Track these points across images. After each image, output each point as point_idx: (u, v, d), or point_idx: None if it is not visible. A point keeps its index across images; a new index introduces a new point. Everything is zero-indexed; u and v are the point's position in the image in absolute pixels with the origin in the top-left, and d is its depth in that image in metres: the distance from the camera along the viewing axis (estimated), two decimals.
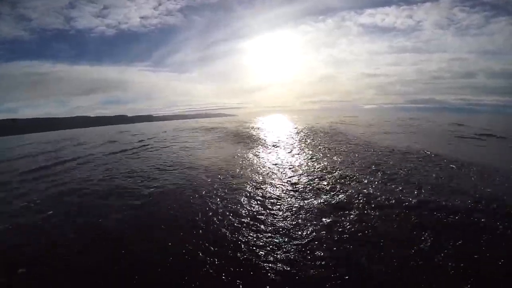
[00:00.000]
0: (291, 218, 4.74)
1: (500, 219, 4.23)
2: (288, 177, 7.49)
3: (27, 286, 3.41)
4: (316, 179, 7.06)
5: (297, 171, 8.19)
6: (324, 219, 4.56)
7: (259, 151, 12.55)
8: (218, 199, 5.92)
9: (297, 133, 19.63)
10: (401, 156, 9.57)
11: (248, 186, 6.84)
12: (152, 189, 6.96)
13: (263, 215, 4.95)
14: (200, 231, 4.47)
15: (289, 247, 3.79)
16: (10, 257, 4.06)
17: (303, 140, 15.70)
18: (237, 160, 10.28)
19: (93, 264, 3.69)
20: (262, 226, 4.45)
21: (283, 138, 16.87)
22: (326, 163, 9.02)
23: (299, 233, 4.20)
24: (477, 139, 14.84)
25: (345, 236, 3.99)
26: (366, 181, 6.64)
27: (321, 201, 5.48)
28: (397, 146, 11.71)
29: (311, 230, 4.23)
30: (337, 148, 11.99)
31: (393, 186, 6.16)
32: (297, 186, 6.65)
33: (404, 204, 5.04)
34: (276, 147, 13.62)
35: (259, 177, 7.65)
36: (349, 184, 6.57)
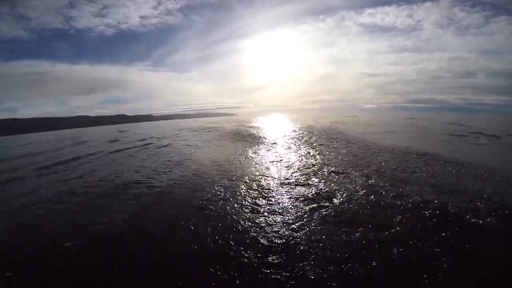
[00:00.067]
0: (288, 215, 4.78)
1: (500, 218, 4.27)
2: (285, 174, 7.82)
3: (27, 286, 3.39)
4: (309, 174, 7.49)
5: (293, 167, 8.53)
6: (309, 208, 5.04)
7: (258, 149, 12.83)
8: (218, 194, 6.15)
9: (296, 132, 19.86)
10: (401, 155, 9.70)
11: (246, 181, 7.15)
12: (156, 188, 7.02)
13: (260, 208, 5.17)
14: (199, 229, 4.50)
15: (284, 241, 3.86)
16: (11, 256, 4.07)
17: (301, 139, 15.94)
18: (236, 158, 10.55)
19: (93, 263, 3.69)
20: (261, 221, 4.49)
21: (282, 137, 17.16)
22: (320, 160, 9.41)
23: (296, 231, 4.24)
24: (477, 138, 15.02)
25: (322, 220, 4.51)
26: (352, 177, 7.05)
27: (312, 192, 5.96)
28: (396, 145, 11.90)
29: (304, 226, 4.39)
30: (331, 146, 12.41)
31: (374, 181, 6.48)
32: (292, 181, 6.95)
33: (389, 198, 5.38)
34: (274, 144, 13.99)
35: (258, 174, 7.94)
36: (338, 179, 6.93)
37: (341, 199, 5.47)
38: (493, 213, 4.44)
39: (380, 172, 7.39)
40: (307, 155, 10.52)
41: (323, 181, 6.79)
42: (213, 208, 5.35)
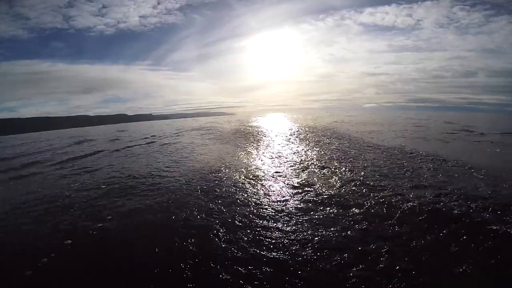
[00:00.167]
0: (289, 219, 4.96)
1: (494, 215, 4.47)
2: (278, 167, 8.66)
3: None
4: (298, 168, 8.35)
5: (286, 162, 9.29)
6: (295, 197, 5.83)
7: (256, 147, 13.36)
8: (219, 182, 6.94)
9: (295, 131, 20.18)
10: (388, 152, 10.18)
11: (244, 173, 7.95)
12: (158, 186, 7.17)
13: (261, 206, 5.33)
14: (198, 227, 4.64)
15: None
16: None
17: (298, 137, 16.42)
18: (236, 155, 11.13)
19: (95, 262, 3.81)
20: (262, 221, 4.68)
21: (280, 136, 17.57)
22: (311, 156, 10.12)
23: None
24: (467, 136, 15.39)
25: (303, 200, 5.53)
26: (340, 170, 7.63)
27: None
28: (387, 144, 12.42)
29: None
30: (324, 144, 13.02)
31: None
32: (283, 173, 7.80)
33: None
34: (272, 141, 14.67)
35: (254, 167, 8.79)
36: (323, 172, 7.68)
37: (322, 186, 6.23)
38: (451, 200, 5.07)
39: (364, 166, 7.98)
40: (300, 152, 11.21)
41: (309, 173, 7.61)
42: (218, 190, 6.46)
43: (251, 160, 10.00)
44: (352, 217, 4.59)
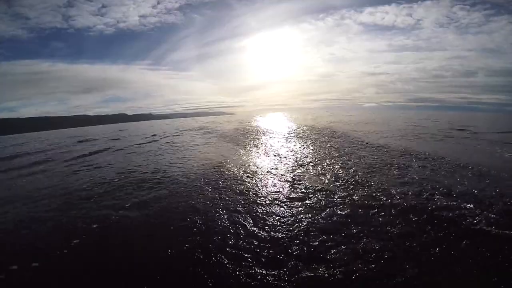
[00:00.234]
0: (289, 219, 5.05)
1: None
2: (273, 164, 9.11)
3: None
4: (292, 165, 8.95)
5: (281, 160, 9.68)
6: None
7: (254, 145, 13.64)
8: (221, 176, 7.36)
9: (293, 131, 20.42)
10: (379, 151, 10.48)
11: (242, 169, 8.43)
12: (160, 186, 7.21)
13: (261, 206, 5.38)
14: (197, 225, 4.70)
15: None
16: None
17: (295, 136, 16.65)
18: (235, 153, 11.53)
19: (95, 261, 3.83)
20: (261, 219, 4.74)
21: (278, 135, 17.83)
22: (305, 153, 10.47)
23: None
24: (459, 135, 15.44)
25: (292, 190, 6.16)
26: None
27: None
28: (378, 142, 12.62)
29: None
30: (321, 143, 13.23)
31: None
32: (277, 169, 8.28)
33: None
34: (270, 139, 14.80)
35: (252, 164, 9.27)
36: (315, 168, 8.14)
37: (314, 181, 6.78)
38: (430, 195, 5.46)
39: (355, 163, 8.56)
40: (297, 150, 11.65)
41: (303, 169, 8.12)
42: (220, 182, 7.08)
43: (250, 157, 10.53)
44: (336, 205, 5.19)
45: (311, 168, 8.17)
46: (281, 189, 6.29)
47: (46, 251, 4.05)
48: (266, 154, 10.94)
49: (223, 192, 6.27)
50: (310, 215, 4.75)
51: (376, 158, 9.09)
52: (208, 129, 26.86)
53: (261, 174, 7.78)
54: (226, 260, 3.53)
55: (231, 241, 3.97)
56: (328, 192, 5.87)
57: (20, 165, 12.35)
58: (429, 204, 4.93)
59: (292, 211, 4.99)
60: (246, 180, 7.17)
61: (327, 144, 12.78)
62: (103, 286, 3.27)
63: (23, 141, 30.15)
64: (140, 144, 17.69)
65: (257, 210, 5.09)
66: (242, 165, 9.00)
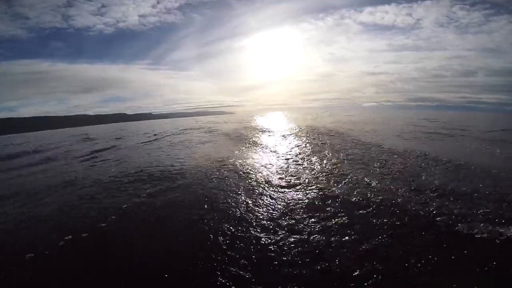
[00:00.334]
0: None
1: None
2: (270, 160, 9.91)
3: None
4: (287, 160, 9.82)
5: (279, 156, 10.50)
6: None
7: (253, 143, 14.01)
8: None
9: (291, 130, 20.67)
10: (369, 149, 10.54)
11: (241, 164, 9.13)
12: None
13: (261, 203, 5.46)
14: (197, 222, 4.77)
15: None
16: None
17: (295, 136, 16.89)
18: (235, 150, 11.90)
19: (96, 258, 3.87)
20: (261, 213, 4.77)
21: (277, 134, 18.31)
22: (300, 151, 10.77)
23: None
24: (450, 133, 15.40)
25: (285, 183, 6.86)
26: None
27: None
28: (371, 141, 12.99)
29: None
30: (315, 139, 13.80)
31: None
32: (274, 164, 9.08)
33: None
34: (269, 137, 14.90)
35: (250, 159, 10.10)
36: (308, 163, 9.04)
37: (307, 176, 7.33)
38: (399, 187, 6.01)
39: (346, 160, 9.10)
40: (293, 147, 12.24)
41: (296, 164, 8.82)
42: (221, 176, 7.74)
43: (249, 155, 11.06)
44: (322, 192, 5.95)
45: (305, 163, 8.83)
46: (275, 181, 6.91)
47: (46, 250, 4.06)
48: (264, 151, 11.63)
49: (223, 188, 6.54)
50: (300, 202, 5.45)
51: (364, 155, 9.70)
52: (208, 128, 27.00)
53: (259, 168, 8.38)
54: (225, 260, 3.54)
55: (231, 241, 3.99)
56: (316, 183, 6.53)
57: (30, 163, 12.76)
58: (428, 203, 4.94)
59: (284, 198, 5.71)
60: (244, 174, 7.73)
61: (322, 142, 13.21)
62: (103, 286, 3.27)
63: (25, 141, 30.39)
64: (144, 142, 18.24)
65: (257, 209, 5.16)
66: (241, 162, 9.41)
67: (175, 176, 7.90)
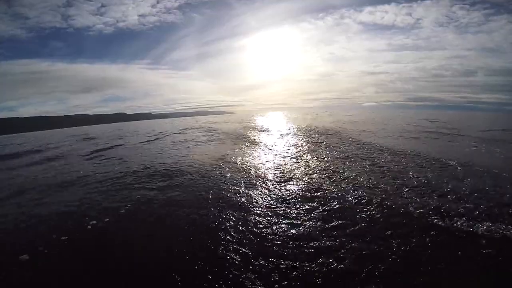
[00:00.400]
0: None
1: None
2: (268, 157, 10.57)
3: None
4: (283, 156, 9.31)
5: (276, 153, 11.16)
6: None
7: (252, 141, 14.15)
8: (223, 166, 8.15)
9: (290, 130, 20.84)
10: (362, 147, 10.63)
11: (241, 160, 9.56)
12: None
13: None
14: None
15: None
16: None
17: (293, 135, 17.18)
18: (234, 150, 12.04)
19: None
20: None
21: (275, 133, 18.64)
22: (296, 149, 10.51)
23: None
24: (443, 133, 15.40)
25: (281, 177, 7.81)
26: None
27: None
28: (364, 139, 12.96)
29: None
30: (312, 138, 13.93)
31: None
32: (272, 161, 9.57)
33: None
34: (268, 136, 15.04)
35: (250, 155, 10.81)
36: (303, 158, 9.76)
37: (301, 172, 7.88)
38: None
39: (338, 157, 9.69)
40: (290, 146, 12.83)
41: (292, 161, 9.30)
42: (222, 171, 8.38)
43: (248, 152, 11.51)
44: (312, 182, 6.67)
45: (301, 161, 9.27)
46: (271, 175, 7.52)
47: (45, 250, 4.07)
48: (262, 149, 12.23)
49: (224, 187, 6.64)
50: (293, 193, 5.92)
51: (357, 151, 10.32)
52: (208, 128, 27.06)
53: (257, 164, 8.90)
54: (226, 260, 3.54)
55: (231, 241, 3.99)
56: (308, 178, 7.09)
57: (37, 161, 13.04)
58: (424, 202, 4.95)
59: (279, 189, 6.25)
60: (243, 169, 8.26)
61: (318, 141, 13.76)
62: (103, 286, 3.27)
63: (25, 140, 30.38)
64: (145, 142, 18.58)
65: (257, 207, 5.20)
66: (241, 160, 9.80)
67: (176, 175, 7.99)
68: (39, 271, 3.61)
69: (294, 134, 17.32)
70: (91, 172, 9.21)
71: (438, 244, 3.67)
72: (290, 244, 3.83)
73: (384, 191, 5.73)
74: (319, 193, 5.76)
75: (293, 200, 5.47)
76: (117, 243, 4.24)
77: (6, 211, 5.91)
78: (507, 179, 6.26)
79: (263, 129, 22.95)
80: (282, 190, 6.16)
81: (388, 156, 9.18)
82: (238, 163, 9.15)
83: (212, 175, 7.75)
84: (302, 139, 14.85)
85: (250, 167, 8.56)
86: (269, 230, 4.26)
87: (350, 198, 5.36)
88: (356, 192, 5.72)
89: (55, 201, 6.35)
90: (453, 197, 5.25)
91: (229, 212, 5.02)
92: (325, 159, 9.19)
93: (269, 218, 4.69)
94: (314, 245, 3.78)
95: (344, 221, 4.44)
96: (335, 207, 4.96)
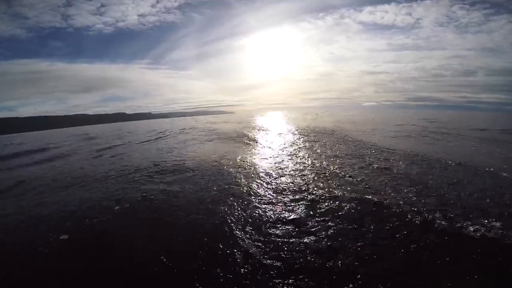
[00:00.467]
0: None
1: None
2: (266, 152, 11.26)
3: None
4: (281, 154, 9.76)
5: (274, 150, 11.81)
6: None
7: (253, 140, 14.48)
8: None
9: (288, 129, 21.18)
10: (355, 145, 10.86)
11: (240, 161, 9.63)
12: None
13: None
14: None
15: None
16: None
17: (291, 134, 17.46)
18: (234, 148, 12.32)
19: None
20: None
21: (274, 132, 18.98)
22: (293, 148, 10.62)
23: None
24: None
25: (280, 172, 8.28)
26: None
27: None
28: (367, 140, 12.99)
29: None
30: (309, 137, 14.03)
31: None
32: (269, 157, 10.26)
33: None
34: (267, 135, 15.14)
35: (249, 152, 11.42)
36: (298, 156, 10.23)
37: (296, 169, 8.15)
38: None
39: (335, 154, 10.10)
40: (287, 144, 13.24)
41: (288, 158, 9.75)
42: (222, 168, 8.70)
43: (247, 150, 12.05)
44: (305, 177, 7.09)
45: (297, 158, 9.66)
46: (267, 170, 7.90)
47: (45, 250, 4.07)
48: (260, 147, 12.76)
49: (224, 183, 6.82)
50: (287, 185, 6.36)
51: (349, 150, 10.66)
52: (208, 128, 27.17)
53: (255, 161, 9.33)
54: (226, 260, 3.54)
55: (231, 241, 3.99)
56: (300, 172, 7.56)
57: (47, 158, 13.47)
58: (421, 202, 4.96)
59: (275, 183, 6.62)
60: (242, 165, 8.64)
61: (315, 139, 14.10)
62: (103, 286, 3.27)
63: (27, 140, 30.51)
64: (145, 141, 18.79)
65: (257, 206, 5.22)
66: (240, 155, 10.29)
67: (176, 174, 8.04)
68: (39, 271, 3.60)
69: (292, 134, 17.46)
70: (91, 172, 9.22)
71: (438, 244, 3.66)
72: (291, 244, 3.83)
73: (383, 190, 5.73)
74: (325, 195, 5.60)
75: (294, 200, 5.41)
76: (117, 243, 4.23)
77: (6, 211, 5.90)
78: (507, 179, 6.26)
79: (262, 128, 23.21)
80: (281, 186, 6.28)
81: (388, 156, 9.19)
82: (238, 161, 9.26)
83: (213, 172, 7.94)
84: (301, 138, 15.01)
85: (250, 164, 8.72)
86: (269, 230, 4.24)
87: (350, 198, 5.34)
88: (356, 191, 5.69)
89: (55, 201, 6.34)
90: (453, 197, 5.24)
91: (229, 211, 5.02)
92: (324, 158, 9.24)
93: (269, 218, 4.67)
94: (315, 245, 3.79)
95: (344, 221, 4.45)
96: (335, 207, 4.96)
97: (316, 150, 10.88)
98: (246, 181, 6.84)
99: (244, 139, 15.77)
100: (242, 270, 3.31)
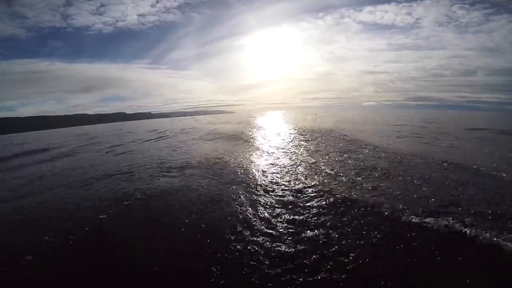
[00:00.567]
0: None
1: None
2: (265, 149, 11.94)
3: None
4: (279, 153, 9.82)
5: (272, 148, 12.15)
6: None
7: (252, 139, 14.43)
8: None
9: (287, 129, 21.38)
10: (351, 144, 11.15)
11: (240, 155, 10.37)
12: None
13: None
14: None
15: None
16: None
17: (289, 133, 17.52)
18: (234, 147, 12.47)
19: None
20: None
21: (273, 132, 19.15)
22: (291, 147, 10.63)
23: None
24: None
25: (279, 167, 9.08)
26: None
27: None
28: (356, 137, 13.12)
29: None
30: (306, 137, 14.19)
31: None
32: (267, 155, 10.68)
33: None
34: (266, 134, 15.08)
35: (248, 150, 11.88)
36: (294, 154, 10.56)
37: (292, 167, 8.39)
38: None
39: (327, 152, 10.49)
40: (284, 143, 13.57)
41: (285, 155, 10.22)
42: (222, 166, 9.03)
43: (246, 148, 12.41)
44: (300, 173, 7.50)
45: (294, 156, 10.01)
46: (265, 167, 8.28)
47: (45, 250, 4.07)
48: (259, 146, 12.93)
49: (223, 185, 6.73)
50: (283, 180, 6.78)
51: (344, 148, 10.95)
52: (208, 128, 27.17)
53: (254, 158, 9.79)
54: (226, 260, 3.54)
55: (232, 241, 3.99)
56: (295, 168, 7.99)
57: (29, 163, 13.03)
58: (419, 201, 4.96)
59: (272, 178, 7.01)
60: (241, 163, 8.97)
61: (313, 138, 14.39)
62: (103, 286, 3.27)
63: (28, 140, 30.52)
64: (146, 140, 19.05)
65: (257, 205, 5.21)
66: (239, 154, 10.67)
67: (177, 173, 8.05)
68: (39, 271, 3.60)
69: (291, 134, 17.59)
70: (91, 172, 9.21)
71: (438, 244, 3.65)
72: (291, 244, 3.83)
73: (383, 191, 5.73)
74: (326, 195, 5.59)
75: (295, 199, 5.41)
76: (117, 243, 4.23)
77: (6, 211, 5.90)
78: (507, 179, 6.25)
79: (262, 128, 23.51)
80: (281, 186, 6.28)
81: (387, 157, 9.18)
82: (238, 161, 9.31)
83: (214, 171, 8.04)
84: (296, 138, 15.18)
85: (250, 164, 8.81)
86: (269, 230, 4.24)
87: (349, 197, 5.36)
88: (356, 192, 5.69)
89: (55, 201, 6.32)
90: (453, 197, 5.24)
91: (229, 211, 5.03)
92: (324, 158, 9.29)
93: (269, 217, 4.67)
94: (315, 245, 3.78)
95: (344, 221, 4.45)
96: (335, 207, 4.95)
97: (316, 150, 10.93)
98: (246, 181, 6.85)
99: (244, 139, 15.90)
100: (242, 270, 3.31)
